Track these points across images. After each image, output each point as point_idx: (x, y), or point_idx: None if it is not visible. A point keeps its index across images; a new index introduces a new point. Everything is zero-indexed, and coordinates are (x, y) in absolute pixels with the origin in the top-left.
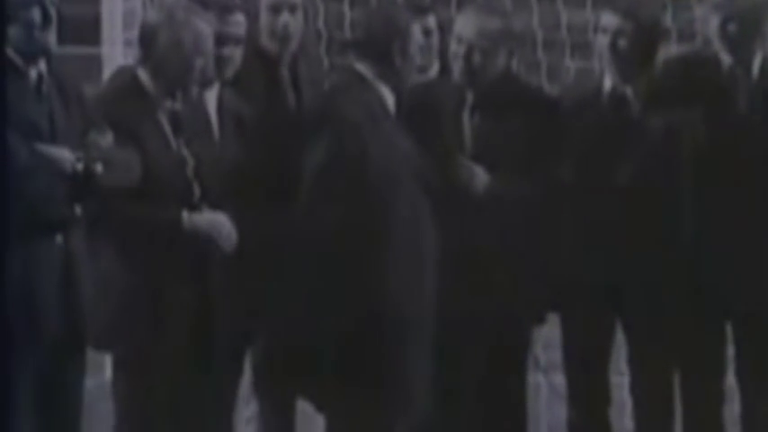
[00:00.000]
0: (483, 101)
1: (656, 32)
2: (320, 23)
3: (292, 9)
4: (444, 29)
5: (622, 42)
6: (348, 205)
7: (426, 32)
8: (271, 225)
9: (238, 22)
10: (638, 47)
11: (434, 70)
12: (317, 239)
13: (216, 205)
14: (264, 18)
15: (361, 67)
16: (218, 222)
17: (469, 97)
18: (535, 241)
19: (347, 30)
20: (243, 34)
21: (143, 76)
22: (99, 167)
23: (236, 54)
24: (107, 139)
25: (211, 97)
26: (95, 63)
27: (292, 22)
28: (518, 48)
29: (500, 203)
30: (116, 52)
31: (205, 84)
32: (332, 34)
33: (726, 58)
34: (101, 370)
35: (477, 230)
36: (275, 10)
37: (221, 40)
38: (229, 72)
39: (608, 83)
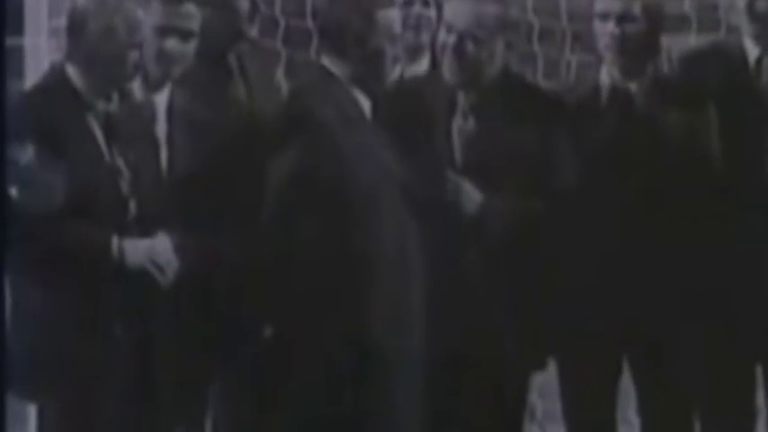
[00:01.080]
0: (478, 103)
1: (661, 21)
2: (276, 9)
3: None
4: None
5: (629, 28)
6: (321, 225)
7: (408, 18)
8: (227, 249)
9: (189, 14)
10: (641, 35)
11: (423, 66)
12: (284, 265)
13: (156, 226)
14: None
15: (328, 62)
16: (154, 249)
17: (461, 98)
18: (536, 271)
19: (309, 17)
20: (194, 28)
21: (72, 72)
22: (14, 192)
23: (186, 50)
24: (27, 155)
25: (162, 100)
26: (17, 55)
27: None
28: (516, 39)
29: (495, 226)
30: (40, 43)
31: (153, 83)
32: (291, 22)
33: (753, 49)
34: (24, 423)
35: (469, 258)
36: None
37: (166, 32)
38: (177, 70)
39: (606, 79)
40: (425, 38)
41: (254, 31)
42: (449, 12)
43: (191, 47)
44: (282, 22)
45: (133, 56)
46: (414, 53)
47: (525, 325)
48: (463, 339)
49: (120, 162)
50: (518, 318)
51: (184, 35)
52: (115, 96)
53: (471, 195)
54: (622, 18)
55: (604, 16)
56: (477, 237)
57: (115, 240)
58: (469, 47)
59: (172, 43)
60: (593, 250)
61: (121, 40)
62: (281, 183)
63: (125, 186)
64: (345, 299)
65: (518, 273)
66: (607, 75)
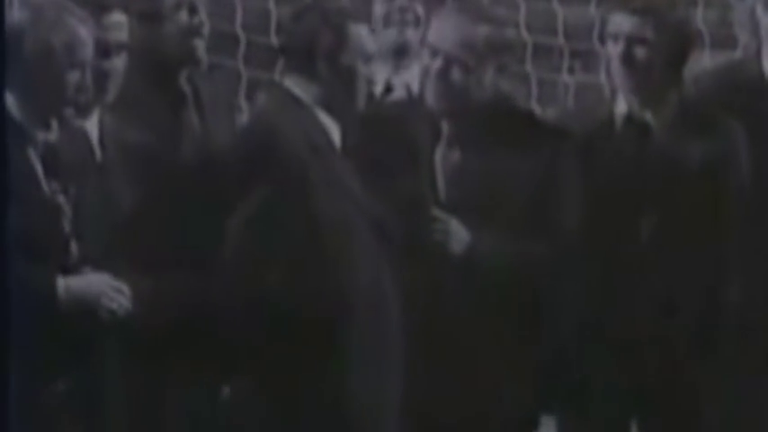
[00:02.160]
0: (464, 133)
1: (685, 37)
2: (236, 24)
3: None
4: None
5: (640, 52)
6: (286, 268)
7: (391, 14)
8: (182, 292)
9: (119, 24)
10: (662, 57)
11: (413, 74)
12: (247, 312)
13: (102, 267)
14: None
15: (292, 84)
16: (103, 287)
17: (446, 128)
18: (529, 321)
19: (273, 33)
20: (125, 40)
21: (10, 100)
22: None
23: (117, 67)
24: None
25: (92, 127)
26: None
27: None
28: (509, 62)
29: (484, 270)
30: None
31: (82, 108)
32: (253, 39)
33: None
34: None
35: (455, 305)
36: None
37: (98, 48)
38: (111, 92)
39: (621, 106)
40: (411, 35)
41: (201, 49)
42: (434, 33)
43: (121, 62)
44: (243, 39)
45: (74, 77)
46: (398, 55)
47: (517, 378)
48: (447, 394)
49: (61, 199)
50: (509, 371)
51: (116, 50)
52: (55, 124)
53: (458, 235)
54: (632, 40)
55: (615, 38)
56: (464, 281)
57: (61, 280)
58: (455, 73)
59: (106, 63)
60: (597, 299)
61: (61, 60)
62: (242, 222)
63: (66, 225)
64: (314, 350)
65: (510, 321)
66: (624, 102)
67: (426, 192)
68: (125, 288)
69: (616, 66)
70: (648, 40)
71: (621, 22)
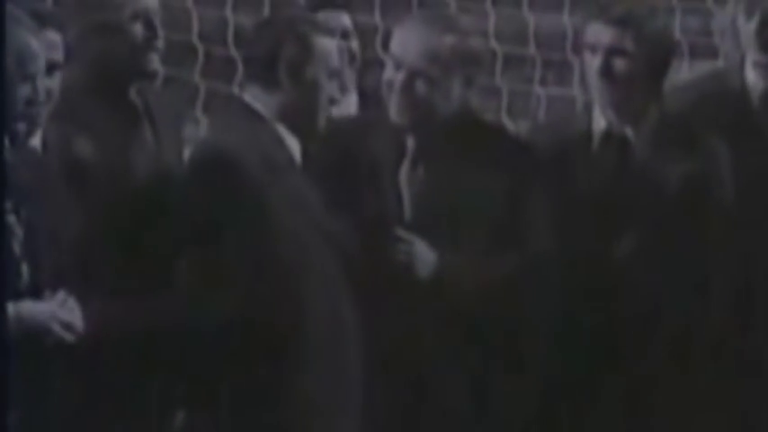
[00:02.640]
0: (429, 149)
1: (666, 48)
2: (193, 35)
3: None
4: (365, 41)
5: (620, 64)
6: (243, 292)
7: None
8: (134, 316)
9: (53, 43)
10: (642, 69)
11: (350, 103)
12: (199, 338)
13: (54, 289)
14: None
15: (251, 98)
16: (51, 315)
17: (411, 143)
18: (500, 349)
19: (231, 44)
20: (58, 59)
21: None
22: None
23: (52, 85)
24: None
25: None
26: None
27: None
28: (477, 74)
29: (452, 294)
30: None
31: (33, 123)
32: (210, 50)
33: (758, 81)
34: None
35: (420, 332)
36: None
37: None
38: (49, 107)
39: (600, 121)
40: (350, 77)
41: (155, 62)
42: (396, 44)
43: (56, 81)
44: (201, 50)
45: (24, 91)
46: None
47: (487, 411)
48: (412, 427)
49: (12, 219)
50: (479, 403)
51: (48, 68)
52: (6, 141)
53: (424, 256)
54: (612, 52)
55: (593, 49)
56: (430, 307)
57: (11, 305)
58: (420, 86)
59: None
60: (573, 325)
61: (11, 73)
62: (195, 244)
63: (17, 248)
64: (268, 381)
65: (480, 349)
66: (601, 117)
67: (390, 211)
68: (76, 314)
69: (593, 78)
70: (628, 51)
71: (599, 33)
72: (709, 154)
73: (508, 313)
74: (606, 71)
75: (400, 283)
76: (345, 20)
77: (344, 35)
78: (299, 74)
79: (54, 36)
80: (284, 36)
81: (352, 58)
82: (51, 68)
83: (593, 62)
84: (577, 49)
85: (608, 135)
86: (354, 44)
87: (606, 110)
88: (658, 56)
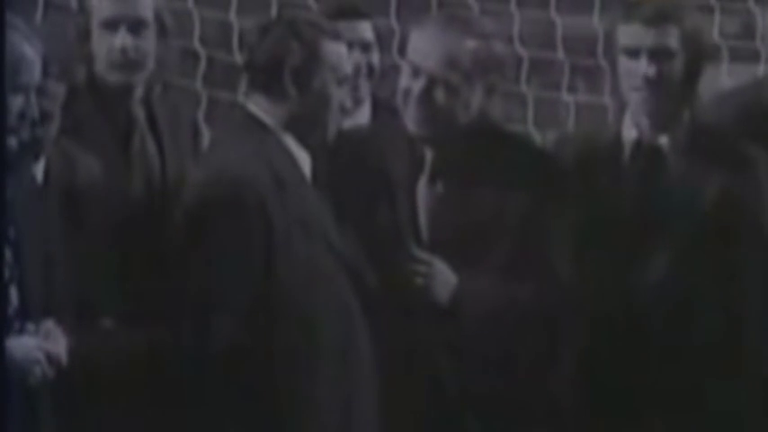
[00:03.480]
0: (450, 162)
1: (705, 47)
2: (195, 40)
3: (137, 27)
4: (381, 48)
5: (665, 66)
6: (245, 319)
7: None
8: (129, 344)
9: None
10: (683, 70)
11: (363, 114)
12: (196, 368)
13: (43, 315)
14: (98, 39)
15: (256, 108)
16: (32, 351)
17: (429, 157)
18: (524, 379)
19: (235, 50)
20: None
21: None
22: None
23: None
24: None
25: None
26: None
27: (137, 43)
28: (501, 81)
29: (473, 319)
30: None
31: (27, 140)
32: (213, 55)
33: None
34: None
35: (439, 360)
36: (110, 27)
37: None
38: (52, 127)
39: (631, 130)
40: (364, 92)
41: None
42: (414, 49)
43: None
44: (203, 56)
45: (17, 102)
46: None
47: None
48: None
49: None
50: None
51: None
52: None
53: (444, 278)
54: (657, 53)
55: (632, 52)
56: (450, 331)
57: None
58: (440, 95)
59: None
60: (602, 356)
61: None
62: (197, 266)
63: (6, 271)
64: (278, 406)
65: (501, 377)
66: (632, 125)
67: (406, 229)
68: (61, 344)
69: (631, 84)
70: (673, 51)
71: (639, 35)
72: (748, 166)
73: (534, 342)
74: (654, 75)
75: (418, 308)
76: (367, 31)
77: (365, 47)
78: (305, 82)
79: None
80: (289, 42)
81: (370, 71)
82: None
83: (633, 66)
84: (609, 53)
85: (639, 145)
86: (375, 58)
87: (640, 117)
88: (697, 55)
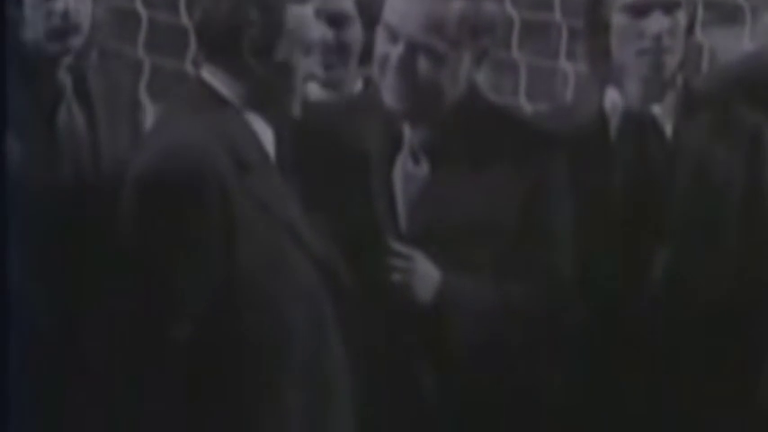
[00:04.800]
0: (432, 141)
1: (690, 4)
2: (136, 1)
3: None
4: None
5: (671, 22)
6: (200, 320)
7: (332, 20)
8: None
9: None
10: (682, 30)
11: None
12: (147, 371)
13: None
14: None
15: (211, 78)
16: None
17: (408, 134)
18: (514, 388)
19: (183, 12)
20: None
21: None
22: None
23: None
24: None
25: None
26: None
27: (78, 6)
28: (491, 47)
29: (460, 320)
30: None
31: None
32: (156, 18)
33: None
34: None
35: (421, 367)
36: None
37: None
38: None
39: (618, 99)
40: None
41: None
42: (391, 10)
43: None
44: (144, 18)
45: None
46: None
47: None
48: None
49: None
50: None
51: None
52: None
53: (426, 275)
54: (670, 6)
55: (641, 9)
56: (434, 335)
57: None
58: (422, 63)
59: None
60: (601, 359)
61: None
62: (150, 259)
63: None
64: (239, 408)
65: (491, 389)
66: (618, 94)
67: (383, 218)
68: None
69: (644, 44)
70: (682, 4)
71: None
72: (755, 136)
73: (527, 346)
74: (666, 32)
75: (397, 307)
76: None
77: (338, 21)
78: (267, 52)
79: None
80: (247, 5)
81: (343, 50)
82: None
83: (643, 26)
84: (598, 12)
85: (628, 116)
86: (354, 32)
87: (633, 85)
88: (695, 6)
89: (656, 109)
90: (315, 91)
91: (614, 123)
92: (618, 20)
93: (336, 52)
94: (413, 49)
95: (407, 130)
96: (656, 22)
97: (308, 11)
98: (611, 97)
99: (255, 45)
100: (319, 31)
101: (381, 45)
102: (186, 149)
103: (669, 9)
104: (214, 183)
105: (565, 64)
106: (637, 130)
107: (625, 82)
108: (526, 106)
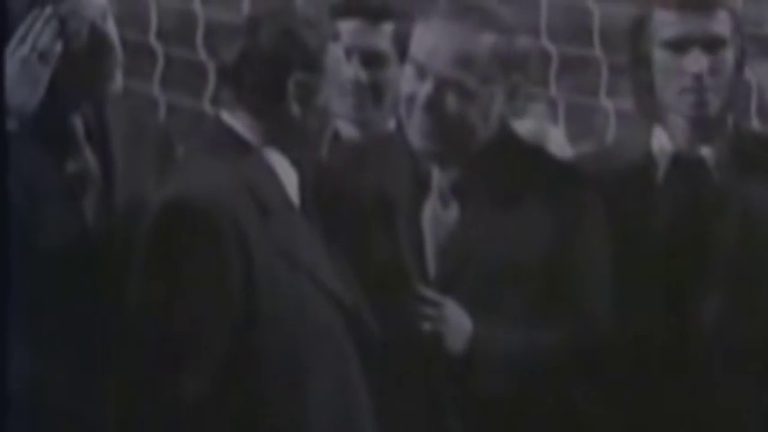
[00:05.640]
0: (463, 182)
1: (747, 39)
2: (151, 35)
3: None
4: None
5: (718, 60)
6: (216, 379)
7: (367, 60)
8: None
9: None
10: (730, 68)
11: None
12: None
13: None
14: None
15: (230, 116)
16: None
17: (437, 175)
18: None
19: (199, 47)
20: None
21: None
22: None
23: None
24: None
25: None
26: None
27: None
28: (524, 84)
29: (493, 372)
30: None
31: None
32: (171, 53)
33: None
34: None
35: (451, 420)
36: None
37: None
38: None
39: (665, 142)
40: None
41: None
42: (419, 46)
43: None
44: (161, 54)
45: None
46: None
47: None
48: None
49: None
50: None
51: None
52: None
53: (457, 323)
54: (712, 45)
55: (680, 45)
56: (464, 386)
57: None
58: (451, 101)
59: None
60: (643, 412)
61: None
62: (167, 310)
63: None
64: None
65: None
66: (666, 135)
67: (411, 263)
68: None
69: (685, 83)
70: (726, 40)
71: (686, 23)
72: None
73: (564, 399)
74: (709, 70)
75: (427, 358)
76: (378, 38)
77: (373, 61)
78: (310, 98)
79: None
80: (289, 45)
81: (377, 90)
82: None
83: (684, 63)
84: (640, 46)
85: (677, 161)
86: (390, 72)
87: (680, 126)
88: (743, 45)
89: (705, 151)
90: (344, 128)
91: (662, 166)
92: (659, 55)
93: (371, 93)
94: (442, 86)
95: (436, 172)
96: (696, 62)
97: (339, 50)
98: (659, 138)
99: (300, 89)
100: (352, 71)
101: (408, 83)
102: (203, 195)
103: (711, 46)
104: (231, 229)
105: (605, 101)
106: (685, 174)
107: (670, 121)
108: (565, 146)
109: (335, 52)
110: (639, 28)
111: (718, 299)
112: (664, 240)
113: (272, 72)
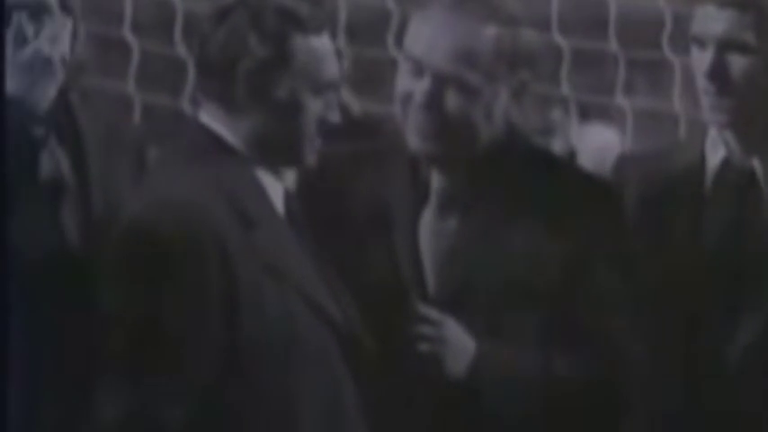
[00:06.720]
0: (462, 188)
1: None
2: (125, 28)
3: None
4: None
5: (737, 62)
6: (198, 405)
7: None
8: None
9: None
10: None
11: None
12: None
13: None
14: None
15: (211, 120)
16: None
17: (436, 181)
18: None
19: (178, 42)
20: None
21: None
22: None
23: None
24: None
25: None
26: None
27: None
28: (533, 80)
29: (497, 396)
30: None
31: None
32: (147, 48)
33: None
34: None
35: None
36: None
37: None
38: None
39: (716, 149)
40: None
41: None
42: (415, 39)
43: None
44: (136, 49)
45: None
46: None
47: None
48: None
49: None
50: None
51: None
52: None
53: (458, 343)
54: (726, 46)
55: (701, 41)
56: (466, 410)
57: None
58: (452, 98)
59: None
60: None
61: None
62: (141, 331)
63: None
64: None
65: None
66: (720, 140)
67: (408, 279)
68: None
69: (702, 84)
70: (749, 44)
71: (710, 20)
72: None
73: (572, 425)
74: (719, 74)
75: (426, 381)
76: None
77: None
78: (264, 90)
79: None
80: (246, 34)
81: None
82: None
83: (703, 60)
84: (680, 41)
85: (726, 170)
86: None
87: (722, 130)
88: None
89: (756, 162)
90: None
91: (710, 173)
92: (693, 52)
93: None
94: (441, 84)
95: (435, 177)
96: (699, 56)
97: (323, 44)
98: (712, 145)
99: (250, 80)
100: (336, 69)
101: (404, 80)
102: (180, 206)
103: (727, 46)
104: (212, 243)
105: (622, 100)
106: (734, 184)
107: (717, 126)
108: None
109: (312, 45)
110: (677, 25)
111: (760, 314)
112: (704, 254)
113: (224, 61)
